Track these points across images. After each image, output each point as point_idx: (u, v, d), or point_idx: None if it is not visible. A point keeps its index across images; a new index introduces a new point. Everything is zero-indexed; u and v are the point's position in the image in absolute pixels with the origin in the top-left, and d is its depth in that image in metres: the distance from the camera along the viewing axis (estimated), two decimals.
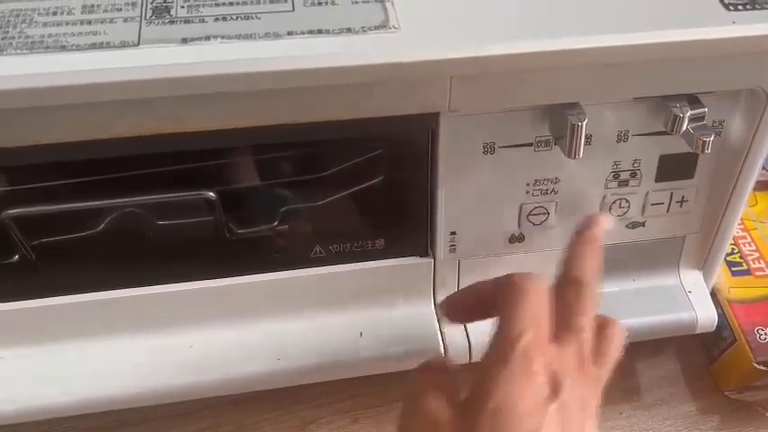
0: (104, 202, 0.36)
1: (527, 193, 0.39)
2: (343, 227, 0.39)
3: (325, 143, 0.36)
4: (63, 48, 0.29)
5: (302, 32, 0.31)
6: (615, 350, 0.35)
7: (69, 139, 0.32)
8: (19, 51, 0.29)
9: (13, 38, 0.29)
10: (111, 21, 0.31)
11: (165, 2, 0.32)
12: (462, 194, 0.38)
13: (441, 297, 0.42)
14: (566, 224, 0.41)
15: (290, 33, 0.31)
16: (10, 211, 0.35)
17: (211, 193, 0.37)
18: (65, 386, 0.38)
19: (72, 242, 0.38)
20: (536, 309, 0.32)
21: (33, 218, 0.36)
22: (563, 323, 0.33)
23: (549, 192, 0.40)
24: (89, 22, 0.30)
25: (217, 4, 0.32)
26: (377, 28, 0.32)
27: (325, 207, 0.39)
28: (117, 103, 0.30)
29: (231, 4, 0.32)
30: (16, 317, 0.38)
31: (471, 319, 0.38)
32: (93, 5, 0.31)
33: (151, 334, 0.40)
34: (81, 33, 0.30)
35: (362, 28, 0.32)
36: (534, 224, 0.41)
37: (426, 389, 0.31)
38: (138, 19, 0.31)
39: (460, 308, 0.37)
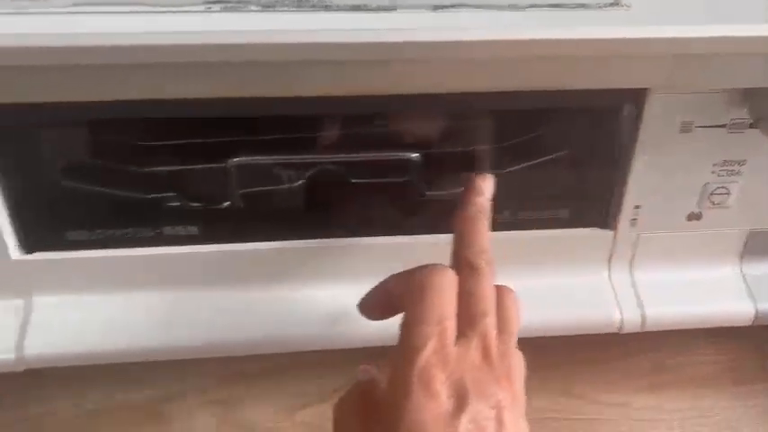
0: (317, 157, 0.39)
1: (713, 173, 0.41)
2: (533, 194, 0.41)
3: (532, 112, 0.38)
4: (326, 8, 0.32)
5: (543, 6, 0.33)
6: (515, 323, 0.34)
7: (304, 93, 0.33)
8: (287, 9, 0.32)
9: None
10: None
11: None
12: (652, 170, 0.40)
13: (616, 269, 0.43)
14: (742, 205, 0.42)
15: (531, 6, 0.33)
16: (235, 160, 0.39)
17: (414, 155, 0.40)
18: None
19: (276, 193, 0.41)
20: (439, 309, 0.31)
21: (252, 167, 0.39)
22: (466, 316, 0.32)
23: (734, 173, 0.41)
24: None
25: None
26: (610, 5, 0.34)
27: (518, 174, 0.41)
28: (361, 62, 0.32)
29: None
30: (221, 258, 0.41)
31: (387, 316, 0.35)
32: None
33: (336, 284, 0.42)
34: None
35: (597, 4, 0.34)
36: (714, 204, 0.42)
37: (349, 417, 0.32)
38: None
39: (372, 306, 0.37)
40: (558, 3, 0.33)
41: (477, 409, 0.29)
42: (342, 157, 0.39)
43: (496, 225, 0.42)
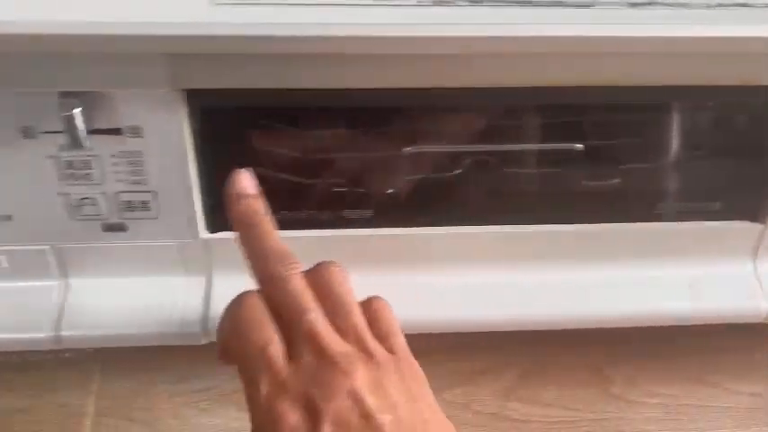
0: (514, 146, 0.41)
1: None
2: (688, 187, 0.43)
3: (695, 107, 0.40)
4: (530, 3, 0.34)
5: (729, 5, 0.35)
6: (392, 323, 0.32)
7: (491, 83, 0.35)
8: (492, 3, 0.34)
9: None
10: None
11: None
12: None
13: (762, 260, 0.45)
14: None
15: (719, 5, 0.35)
16: (410, 148, 0.40)
17: (579, 145, 0.41)
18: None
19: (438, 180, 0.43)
20: (255, 342, 0.30)
21: (422, 156, 0.41)
22: (287, 326, 0.30)
23: None
24: None
25: None
26: None
27: (675, 167, 0.42)
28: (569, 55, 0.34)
29: None
30: (391, 241, 0.43)
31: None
32: None
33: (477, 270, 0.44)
34: None
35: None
36: None
37: None
38: None
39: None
40: (745, 2, 0.35)
41: (334, 409, 0.28)
42: (509, 147, 0.41)
43: (651, 216, 0.44)
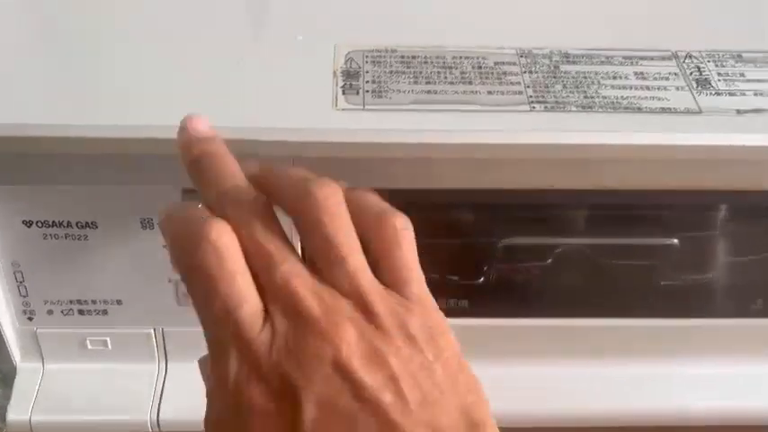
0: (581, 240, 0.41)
1: None
2: None
3: None
4: (639, 109, 0.35)
5: None
6: (409, 258, 0.25)
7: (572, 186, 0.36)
8: (603, 110, 0.35)
9: (594, 97, 0.35)
10: (666, 88, 0.36)
11: (702, 74, 0.37)
12: None
13: None
14: None
15: None
16: (506, 240, 0.41)
17: (675, 240, 0.42)
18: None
19: (528, 270, 0.43)
20: (220, 300, 0.23)
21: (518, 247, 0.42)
22: (259, 282, 0.24)
23: None
24: (648, 88, 0.36)
25: (747, 81, 0.36)
26: None
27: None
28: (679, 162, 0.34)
29: (761, 81, 0.36)
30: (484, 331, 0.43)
31: None
32: (643, 73, 0.37)
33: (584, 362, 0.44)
34: (648, 98, 0.35)
35: None
36: None
37: None
38: (688, 88, 0.36)
39: None
40: None
41: (317, 391, 0.22)
42: (598, 240, 0.42)
43: (747, 312, 0.44)
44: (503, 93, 0.35)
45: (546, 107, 0.34)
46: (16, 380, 0.41)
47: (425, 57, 0.37)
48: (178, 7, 0.40)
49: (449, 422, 0.23)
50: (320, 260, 0.24)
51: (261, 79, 0.35)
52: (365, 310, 0.23)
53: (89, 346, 0.41)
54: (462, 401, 0.24)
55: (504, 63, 0.37)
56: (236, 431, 0.23)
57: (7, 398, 0.40)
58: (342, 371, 0.23)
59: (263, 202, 0.25)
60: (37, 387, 0.41)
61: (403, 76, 0.36)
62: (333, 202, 0.25)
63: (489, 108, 0.34)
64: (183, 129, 0.28)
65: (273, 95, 0.35)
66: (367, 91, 0.35)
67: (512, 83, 0.35)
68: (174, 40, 0.38)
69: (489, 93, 0.35)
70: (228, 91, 0.35)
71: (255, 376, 0.23)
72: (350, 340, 0.23)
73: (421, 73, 0.36)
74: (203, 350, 0.41)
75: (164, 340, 0.41)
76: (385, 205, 0.26)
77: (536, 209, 0.39)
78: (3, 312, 0.39)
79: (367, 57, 0.37)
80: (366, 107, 0.34)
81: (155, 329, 0.41)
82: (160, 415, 0.40)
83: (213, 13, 0.40)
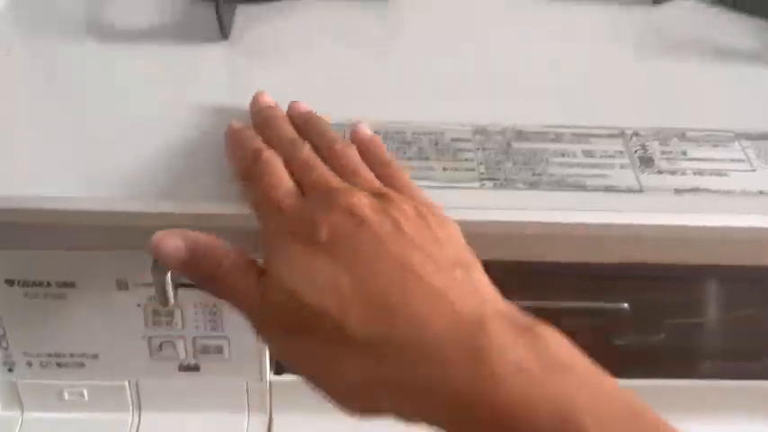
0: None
1: None
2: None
3: None
4: (583, 187, 0.37)
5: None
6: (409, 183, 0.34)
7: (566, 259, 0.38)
8: (549, 188, 0.37)
9: (541, 174, 0.37)
10: (611, 166, 0.38)
11: (646, 152, 0.39)
12: None
13: None
14: None
15: (761, 192, 0.37)
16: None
17: (625, 304, 0.43)
18: None
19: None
20: (269, 182, 0.32)
21: None
22: (300, 184, 0.33)
23: None
24: (594, 166, 0.38)
25: (689, 159, 0.39)
26: None
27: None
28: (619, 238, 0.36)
29: (700, 159, 0.39)
30: None
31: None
32: (591, 151, 0.39)
33: None
34: (593, 176, 0.37)
35: None
36: None
37: None
38: (632, 166, 0.38)
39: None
40: None
41: (332, 220, 0.29)
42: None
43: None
44: (456, 169, 0.37)
45: (495, 184, 0.37)
46: None
47: (386, 132, 0.39)
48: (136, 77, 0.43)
49: (441, 256, 0.29)
50: (341, 175, 0.33)
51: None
52: (375, 191, 0.32)
53: (66, 397, 0.43)
54: (456, 255, 0.30)
55: (459, 140, 0.39)
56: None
57: None
58: (352, 212, 0.29)
59: (302, 140, 0.35)
60: None
61: None
62: (340, 146, 0.35)
63: (443, 184, 0.37)
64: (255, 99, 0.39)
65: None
66: None
67: (465, 159, 0.38)
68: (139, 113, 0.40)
69: (444, 169, 0.37)
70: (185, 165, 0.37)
71: (287, 226, 0.30)
72: (362, 197, 0.30)
73: None
74: (175, 401, 0.43)
75: (137, 392, 0.43)
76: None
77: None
78: None
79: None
80: None
81: (129, 382, 0.43)
82: None
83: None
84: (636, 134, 0.40)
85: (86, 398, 0.43)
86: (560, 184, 0.37)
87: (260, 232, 0.32)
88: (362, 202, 0.30)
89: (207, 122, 0.40)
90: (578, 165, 0.38)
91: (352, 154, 0.35)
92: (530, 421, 0.25)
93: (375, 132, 0.38)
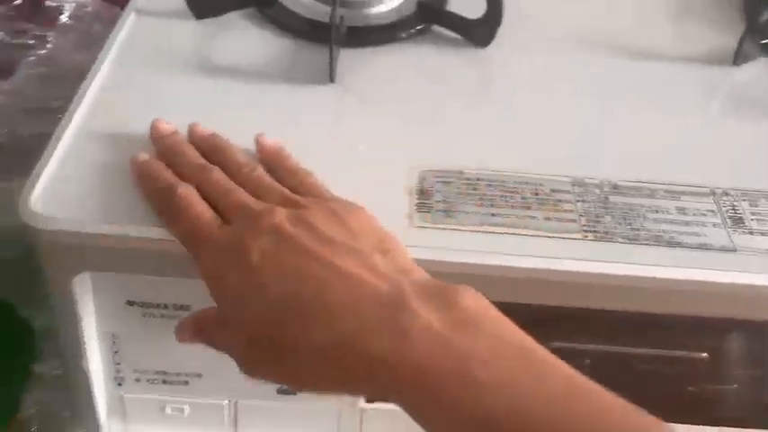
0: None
1: None
2: None
3: None
4: (679, 244, 0.39)
5: None
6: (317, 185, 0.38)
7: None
8: (647, 243, 0.39)
9: (639, 230, 0.39)
10: (704, 224, 0.40)
11: (736, 213, 0.41)
12: None
13: None
14: None
15: None
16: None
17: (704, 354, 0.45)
18: None
19: None
20: (191, 215, 0.35)
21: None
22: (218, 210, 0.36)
23: None
24: (687, 224, 0.40)
25: None
26: None
27: None
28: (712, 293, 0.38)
29: None
30: None
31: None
32: (684, 208, 0.41)
33: None
34: (687, 233, 0.40)
35: None
36: None
37: None
38: (723, 226, 0.40)
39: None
40: None
41: (261, 243, 0.33)
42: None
43: None
44: (559, 220, 0.40)
45: (596, 236, 0.39)
46: None
47: (489, 180, 0.42)
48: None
49: (358, 246, 0.33)
50: (255, 194, 0.36)
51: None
52: (289, 203, 0.35)
53: (168, 411, 0.45)
54: (372, 241, 0.34)
55: (559, 191, 0.41)
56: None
57: None
58: (275, 232, 0.33)
59: (210, 165, 0.39)
60: None
61: (469, 198, 0.41)
62: (248, 167, 0.38)
63: (546, 234, 0.39)
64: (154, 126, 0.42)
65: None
66: (438, 210, 0.40)
67: (566, 210, 0.40)
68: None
69: (546, 219, 0.40)
70: None
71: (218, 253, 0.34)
72: (280, 215, 0.34)
73: (485, 195, 0.41)
74: (270, 422, 0.45)
75: (236, 411, 0.45)
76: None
77: (580, 320, 0.44)
78: (96, 377, 0.44)
79: (437, 177, 0.42)
80: (437, 226, 0.39)
81: (229, 401, 0.45)
82: None
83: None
84: (725, 194, 0.42)
85: (186, 414, 0.45)
86: (657, 240, 0.39)
87: (198, 265, 0.35)
88: (282, 219, 0.34)
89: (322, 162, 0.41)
90: (672, 221, 0.40)
91: (261, 173, 0.38)
92: (438, 379, 0.29)
93: (477, 179, 0.41)
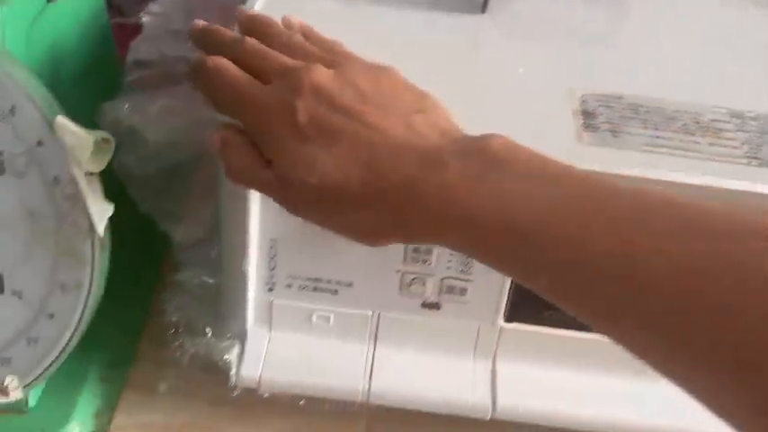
0: None
1: None
2: None
3: None
4: None
5: None
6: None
7: None
8: None
9: None
10: None
11: None
12: None
13: None
14: None
15: None
16: None
17: None
18: None
19: None
20: (238, 85, 0.35)
21: None
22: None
23: None
24: None
25: None
26: None
27: None
28: None
29: None
30: None
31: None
32: None
33: None
34: None
35: None
36: None
37: None
38: None
39: None
40: None
41: (305, 102, 0.33)
42: None
43: None
44: (722, 146, 0.40)
45: (761, 163, 0.40)
46: (247, 342, 0.47)
47: (648, 107, 0.43)
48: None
49: (398, 106, 0.35)
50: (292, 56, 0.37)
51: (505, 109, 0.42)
52: (327, 61, 0.36)
53: (314, 320, 0.47)
54: (411, 101, 0.36)
55: (718, 120, 0.42)
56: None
57: (240, 356, 0.46)
58: (318, 91, 0.34)
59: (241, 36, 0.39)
60: (265, 350, 0.47)
61: (632, 121, 0.42)
62: (286, 35, 0.39)
63: (712, 157, 0.40)
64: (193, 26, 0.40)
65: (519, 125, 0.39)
66: (605, 130, 0.41)
67: (728, 138, 0.41)
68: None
69: (710, 144, 0.40)
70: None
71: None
72: (320, 72, 0.35)
73: (648, 120, 0.42)
74: (409, 337, 0.46)
75: (378, 324, 0.47)
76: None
77: None
78: (251, 281, 0.45)
79: (598, 101, 0.43)
80: (605, 145, 0.40)
81: (373, 313, 0.47)
82: (372, 389, 0.46)
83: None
84: None
85: (331, 323, 0.47)
86: None
87: (245, 126, 0.36)
88: (323, 77, 0.34)
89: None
90: None
91: (299, 38, 0.39)
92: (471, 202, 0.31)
93: (638, 105, 0.42)
